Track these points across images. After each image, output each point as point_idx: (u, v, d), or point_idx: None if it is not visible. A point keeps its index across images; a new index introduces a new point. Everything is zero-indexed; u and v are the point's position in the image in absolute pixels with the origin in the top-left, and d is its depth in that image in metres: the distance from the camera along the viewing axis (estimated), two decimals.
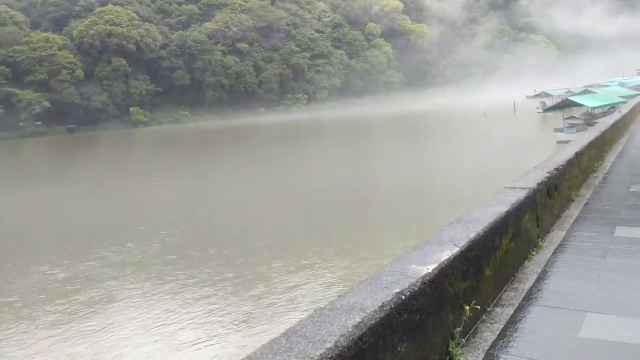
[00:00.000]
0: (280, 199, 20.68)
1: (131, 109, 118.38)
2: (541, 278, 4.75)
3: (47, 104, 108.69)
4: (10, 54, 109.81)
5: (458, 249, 3.71)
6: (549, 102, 58.21)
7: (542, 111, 48.05)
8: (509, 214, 4.73)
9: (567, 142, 30.93)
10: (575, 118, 35.40)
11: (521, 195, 5.33)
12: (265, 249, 14.38)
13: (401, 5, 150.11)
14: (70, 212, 22.55)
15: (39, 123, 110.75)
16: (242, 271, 12.74)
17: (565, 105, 34.60)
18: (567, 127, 32.88)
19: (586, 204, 7.47)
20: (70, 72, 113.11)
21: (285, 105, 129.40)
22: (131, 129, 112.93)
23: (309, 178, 24.61)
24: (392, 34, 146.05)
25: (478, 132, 39.34)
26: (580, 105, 34.25)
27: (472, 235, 3.98)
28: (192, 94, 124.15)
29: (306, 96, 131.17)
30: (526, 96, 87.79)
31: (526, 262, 5.19)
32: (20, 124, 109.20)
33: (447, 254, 3.58)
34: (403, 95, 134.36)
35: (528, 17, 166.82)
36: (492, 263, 4.29)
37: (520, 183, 5.89)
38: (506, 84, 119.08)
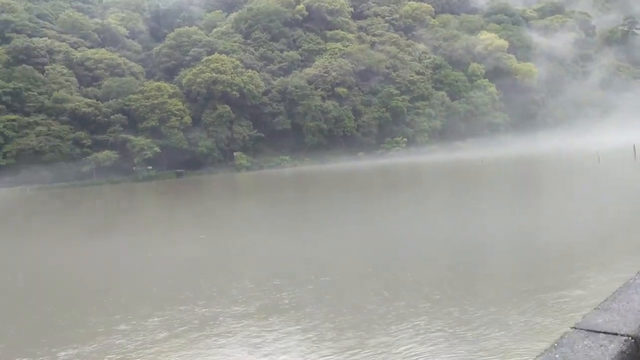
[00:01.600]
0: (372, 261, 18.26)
1: (234, 154, 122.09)
2: None
3: (157, 149, 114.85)
4: (127, 103, 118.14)
5: None
6: None
7: None
8: None
9: None
10: None
11: (604, 355, 2.70)
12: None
13: (506, 44, 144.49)
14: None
15: (150, 167, 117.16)
16: None
17: None
18: None
19: None
20: (179, 118, 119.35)
21: (384, 149, 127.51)
22: (234, 173, 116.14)
23: (390, 238, 22.02)
24: (496, 74, 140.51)
25: (587, 182, 34.62)
26: None
27: None
28: (292, 138, 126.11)
29: (405, 139, 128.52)
30: None
31: None
32: (134, 168, 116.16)
33: None
34: (508, 137, 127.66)
35: None
36: None
37: (607, 318, 3.15)
38: (626, 125, 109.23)
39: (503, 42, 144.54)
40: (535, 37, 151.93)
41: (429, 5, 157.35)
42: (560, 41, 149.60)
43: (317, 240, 22.10)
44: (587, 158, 53.94)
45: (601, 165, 45.84)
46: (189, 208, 46.13)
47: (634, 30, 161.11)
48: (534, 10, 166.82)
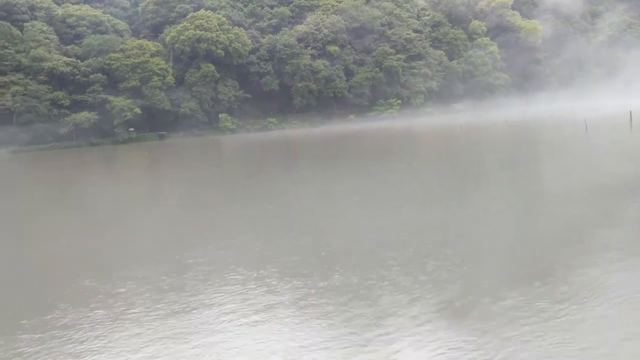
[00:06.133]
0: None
1: (219, 116, 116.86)
2: None
3: (138, 110, 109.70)
4: (107, 62, 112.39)
5: None
6: None
7: None
8: None
9: None
10: None
11: None
12: None
13: (511, 0, 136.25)
14: None
15: (132, 129, 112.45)
16: None
17: None
18: None
19: None
20: (162, 78, 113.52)
21: (377, 111, 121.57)
22: (219, 136, 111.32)
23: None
24: (498, 32, 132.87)
25: (563, 161, 29.40)
26: None
27: None
28: (280, 99, 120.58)
29: (399, 101, 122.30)
30: None
31: None
32: (114, 129, 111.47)
33: None
34: (509, 99, 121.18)
35: None
36: None
37: None
38: (631, 86, 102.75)
39: None
40: None
41: None
42: None
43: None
44: (579, 125, 48.61)
45: (589, 135, 40.59)
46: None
47: None
48: None
